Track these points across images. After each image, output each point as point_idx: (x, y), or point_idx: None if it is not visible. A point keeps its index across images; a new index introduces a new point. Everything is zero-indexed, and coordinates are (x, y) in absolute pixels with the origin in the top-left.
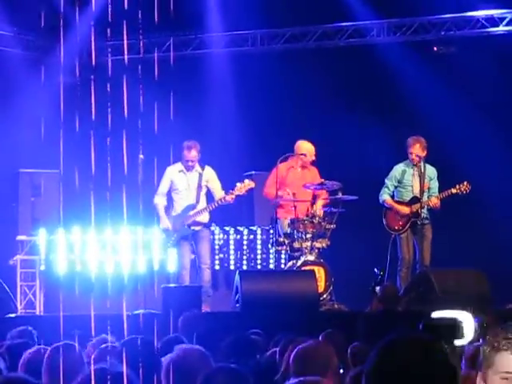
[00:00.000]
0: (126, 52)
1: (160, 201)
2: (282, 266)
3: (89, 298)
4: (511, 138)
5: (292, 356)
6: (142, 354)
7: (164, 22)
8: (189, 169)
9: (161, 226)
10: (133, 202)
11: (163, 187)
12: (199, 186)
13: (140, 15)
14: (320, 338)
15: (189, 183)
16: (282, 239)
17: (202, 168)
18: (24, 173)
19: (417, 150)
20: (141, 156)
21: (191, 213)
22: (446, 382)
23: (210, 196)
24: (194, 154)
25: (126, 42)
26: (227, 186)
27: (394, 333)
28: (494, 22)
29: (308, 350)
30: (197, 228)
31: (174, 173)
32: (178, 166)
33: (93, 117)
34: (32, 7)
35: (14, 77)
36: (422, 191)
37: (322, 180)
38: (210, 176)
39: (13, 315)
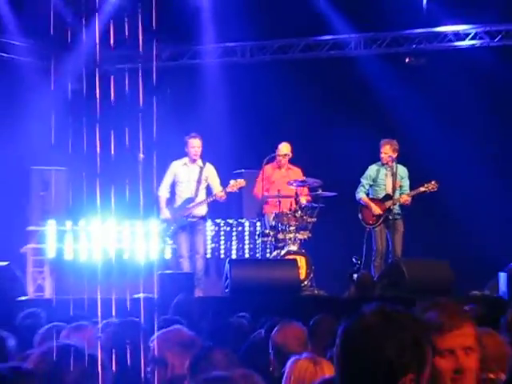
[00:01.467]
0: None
1: (163, 193)
2: (268, 255)
3: (94, 283)
4: (474, 142)
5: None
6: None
7: (162, 33)
8: (193, 160)
9: (161, 217)
10: (134, 196)
11: (167, 180)
12: (199, 180)
13: (141, 27)
14: (311, 323)
15: (189, 176)
16: (267, 231)
17: (204, 164)
18: (35, 170)
19: (387, 150)
20: (141, 155)
21: (190, 205)
22: (406, 345)
23: (209, 191)
24: (198, 142)
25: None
26: (225, 181)
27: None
28: (459, 36)
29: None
30: (194, 220)
31: (177, 166)
32: (183, 160)
33: (97, 120)
34: (42, 18)
35: (26, 83)
36: (394, 189)
37: (304, 179)
38: (210, 172)
39: (24, 298)
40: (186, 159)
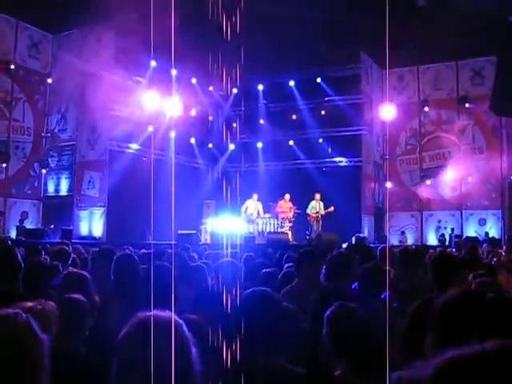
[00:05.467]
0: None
1: (243, 210)
2: (279, 230)
3: (223, 239)
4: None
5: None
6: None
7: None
8: (253, 200)
9: (243, 217)
10: (235, 210)
11: (244, 206)
12: (255, 207)
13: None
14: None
15: (252, 205)
16: (279, 222)
17: (258, 202)
18: (206, 202)
19: (317, 197)
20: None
21: (252, 216)
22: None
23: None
24: (255, 196)
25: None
26: (265, 208)
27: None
28: (340, 161)
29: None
30: (253, 218)
31: (249, 201)
32: (250, 199)
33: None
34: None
35: (199, 175)
36: (318, 209)
37: (292, 206)
38: (259, 206)
39: (200, 243)
40: (251, 199)
